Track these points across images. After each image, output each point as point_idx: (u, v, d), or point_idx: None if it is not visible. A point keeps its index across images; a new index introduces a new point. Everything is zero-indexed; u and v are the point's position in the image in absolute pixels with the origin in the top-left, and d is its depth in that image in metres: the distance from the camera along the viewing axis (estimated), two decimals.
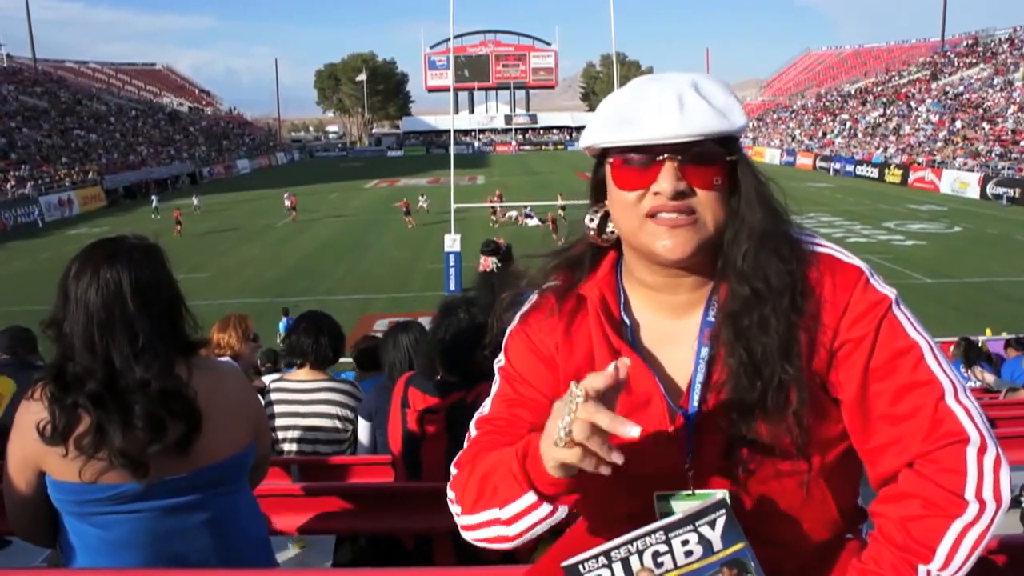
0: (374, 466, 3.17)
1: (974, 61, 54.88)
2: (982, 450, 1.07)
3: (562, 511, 1.10)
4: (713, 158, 1.11)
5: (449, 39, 33.08)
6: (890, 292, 1.14)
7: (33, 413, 1.61)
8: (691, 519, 1.07)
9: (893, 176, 41.94)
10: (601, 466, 0.96)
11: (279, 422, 3.59)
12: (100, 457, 1.58)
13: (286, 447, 3.58)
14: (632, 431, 0.92)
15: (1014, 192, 32.28)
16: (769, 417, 1.10)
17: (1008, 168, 34.94)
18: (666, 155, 1.09)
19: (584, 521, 1.38)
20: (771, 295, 1.11)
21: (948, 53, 59.79)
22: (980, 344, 8.67)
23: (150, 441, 1.59)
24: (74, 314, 1.62)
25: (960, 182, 36.19)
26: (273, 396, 3.63)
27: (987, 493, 1.06)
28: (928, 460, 1.08)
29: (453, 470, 1.24)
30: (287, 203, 32.54)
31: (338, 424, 3.56)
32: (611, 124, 1.13)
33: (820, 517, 1.20)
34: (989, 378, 7.26)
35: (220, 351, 3.78)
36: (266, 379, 5.31)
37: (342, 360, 4.33)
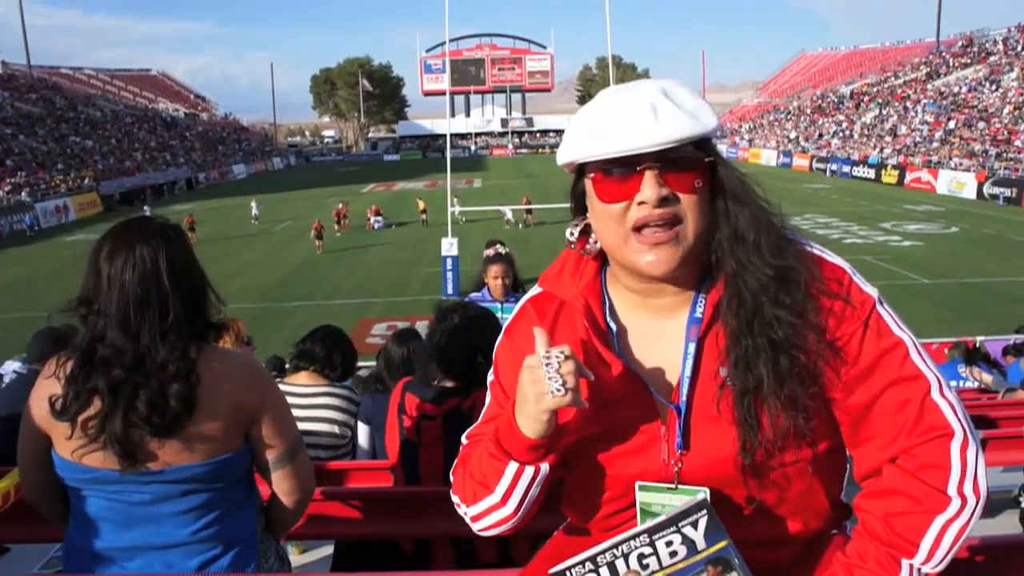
0: (373, 471, 3.17)
1: (969, 61, 55.01)
2: (964, 445, 1.10)
3: (545, 468, 1.18)
4: (692, 162, 1.12)
5: (444, 43, 33.10)
6: (873, 291, 1.17)
7: (48, 390, 1.64)
8: (674, 520, 1.09)
9: (889, 177, 42.02)
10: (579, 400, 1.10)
11: None
12: (97, 442, 1.60)
13: None
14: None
15: (1011, 192, 32.34)
16: (771, 406, 1.12)
17: (1004, 168, 35.00)
18: (646, 164, 1.10)
19: (570, 524, 1.41)
20: (773, 286, 1.13)
21: (943, 54, 59.92)
22: (977, 345, 8.69)
23: (146, 421, 1.58)
24: (107, 292, 1.62)
25: (957, 182, 36.25)
26: None
27: (968, 488, 1.09)
28: (911, 455, 1.12)
29: (451, 477, 1.31)
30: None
31: (336, 430, 3.55)
32: (586, 138, 1.14)
33: (812, 510, 1.22)
34: (987, 378, 7.26)
35: None
36: None
37: None
